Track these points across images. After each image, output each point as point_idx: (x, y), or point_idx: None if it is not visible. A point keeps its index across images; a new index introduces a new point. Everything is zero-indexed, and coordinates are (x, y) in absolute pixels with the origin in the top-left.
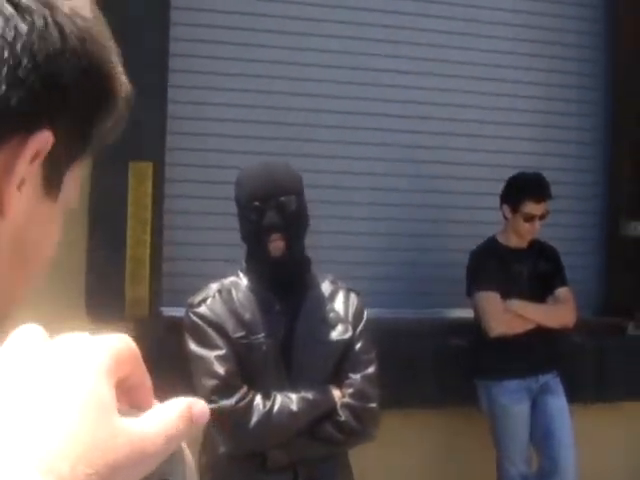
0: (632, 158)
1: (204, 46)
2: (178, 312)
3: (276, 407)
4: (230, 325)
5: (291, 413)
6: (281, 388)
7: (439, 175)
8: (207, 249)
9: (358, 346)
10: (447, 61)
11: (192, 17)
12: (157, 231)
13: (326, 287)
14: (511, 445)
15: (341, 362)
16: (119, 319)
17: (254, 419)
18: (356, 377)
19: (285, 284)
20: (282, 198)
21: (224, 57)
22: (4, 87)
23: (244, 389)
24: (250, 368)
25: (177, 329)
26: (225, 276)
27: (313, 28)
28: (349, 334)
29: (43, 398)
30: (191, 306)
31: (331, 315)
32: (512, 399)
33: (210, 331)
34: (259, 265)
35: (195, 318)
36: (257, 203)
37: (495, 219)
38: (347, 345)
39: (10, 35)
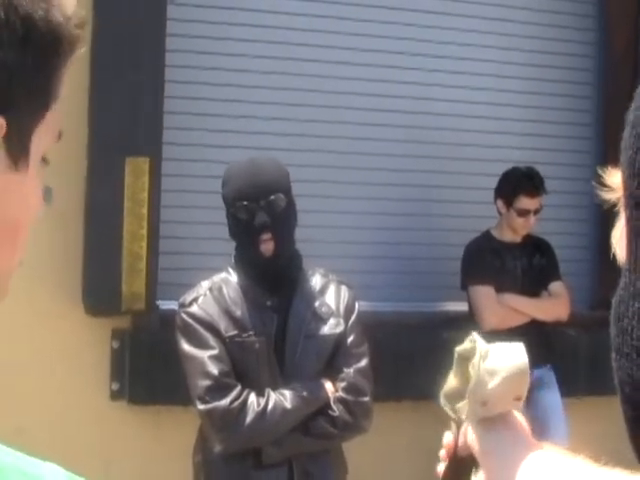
0: None
1: (200, 42)
2: (174, 306)
3: (270, 405)
4: (222, 324)
5: (285, 410)
6: (274, 384)
7: (432, 169)
8: (204, 243)
9: (350, 340)
10: (440, 57)
11: (189, 13)
12: (154, 226)
13: (317, 280)
14: None
15: (333, 356)
16: (116, 313)
17: (248, 418)
18: (349, 371)
19: (276, 281)
20: (271, 197)
21: (220, 53)
22: None
23: (238, 388)
24: (243, 366)
25: (173, 323)
26: (218, 271)
27: (306, 24)
28: (341, 328)
29: None
30: (182, 306)
31: (323, 309)
32: None
33: (202, 331)
34: (250, 263)
35: (187, 318)
36: (246, 202)
37: (489, 213)
38: (339, 339)
39: None
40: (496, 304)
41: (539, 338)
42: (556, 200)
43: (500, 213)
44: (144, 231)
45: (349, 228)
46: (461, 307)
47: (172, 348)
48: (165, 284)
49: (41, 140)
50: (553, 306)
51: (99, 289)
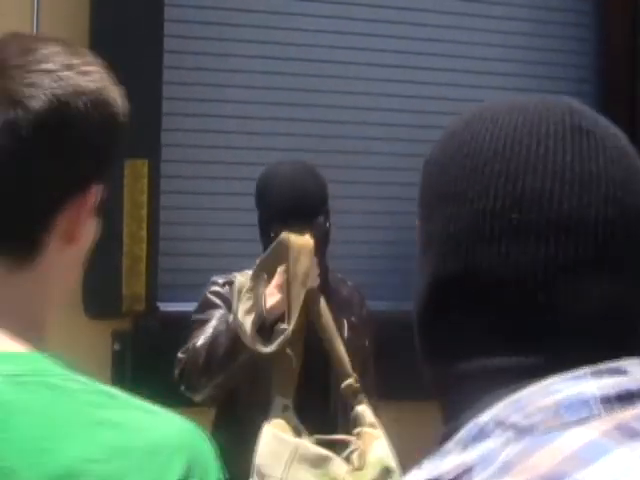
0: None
1: (197, 42)
2: (175, 307)
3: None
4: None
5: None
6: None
7: None
8: (203, 244)
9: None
10: (447, 41)
11: (185, 14)
12: (154, 227)
13: (345, 289)
14: None
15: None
16: (116, 315)
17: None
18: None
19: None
20: (316, 220)
21: (217, 53)
22: (68, 163)
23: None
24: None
25: (174, 324)
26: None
27: (308, 8)
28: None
29: None
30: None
31: (352, 319)
32: None
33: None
34: None
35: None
36: (288, 226)
37: None
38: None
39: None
40: None
41: None
42: None
43: None
44: (144, 233)
45: (356, 228)
46: None
47: (173, 350)
48: (165, 286)
49: None
50: None
51: (99, 291)
